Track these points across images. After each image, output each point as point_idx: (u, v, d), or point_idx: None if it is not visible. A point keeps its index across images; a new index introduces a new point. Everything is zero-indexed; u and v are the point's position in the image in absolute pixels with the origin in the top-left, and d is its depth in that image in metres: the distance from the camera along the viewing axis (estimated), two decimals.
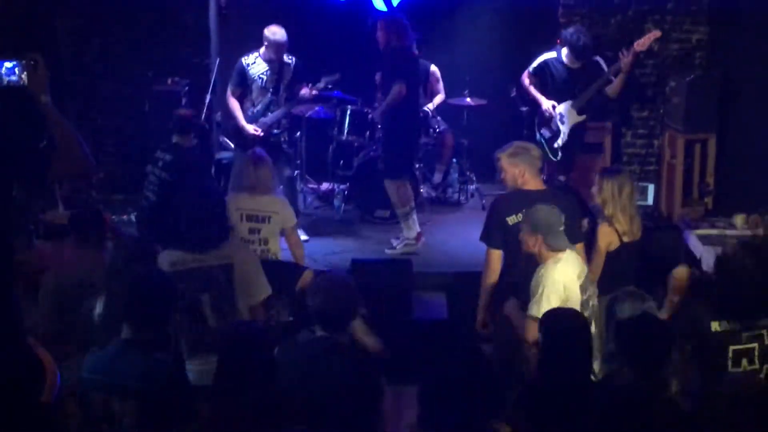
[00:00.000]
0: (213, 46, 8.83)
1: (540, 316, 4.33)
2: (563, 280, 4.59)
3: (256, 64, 7.45)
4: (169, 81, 8.26)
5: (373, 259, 7.26)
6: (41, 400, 3.46)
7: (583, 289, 4.65)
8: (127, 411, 3.40)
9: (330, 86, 8.02)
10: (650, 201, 8.36)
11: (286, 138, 7.87)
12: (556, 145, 7.36)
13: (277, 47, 7.34)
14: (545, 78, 7.34)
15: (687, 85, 8.07)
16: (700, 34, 8.67)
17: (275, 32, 7.33)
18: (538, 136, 7.42)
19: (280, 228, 6.11)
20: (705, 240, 6.74)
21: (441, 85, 8.87)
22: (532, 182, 5.25)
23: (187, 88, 8.20)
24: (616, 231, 5.33)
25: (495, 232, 5.18)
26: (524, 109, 8.19)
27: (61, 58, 8.41)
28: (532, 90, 7.42)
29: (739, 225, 7.03)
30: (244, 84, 7.48)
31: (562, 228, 4.68)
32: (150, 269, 4.10)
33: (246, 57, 7.47)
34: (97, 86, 8.55)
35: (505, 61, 9.15)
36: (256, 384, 3.41)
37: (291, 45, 7.52)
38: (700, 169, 8.24)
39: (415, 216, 7.57)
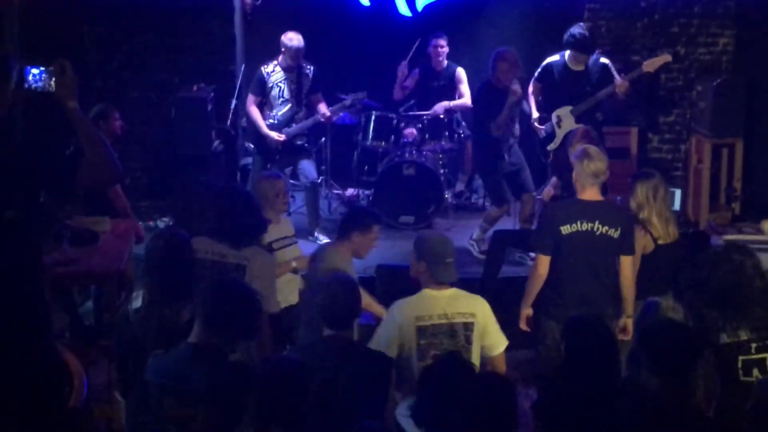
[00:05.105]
0: (238, 53, 8.87)
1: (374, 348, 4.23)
2: (399, 319, 4.35)
3: (274, 72, 7.70)
4: (195, 87, 8.29)
5: (399, 264, 7.23)
6: (69, 406, 3.49)
7: (423, 333, 4.30)
8: (195, 416, 3.37)
9: (358, 105, 8.15)
10: (677, 206, 8.30)
11: (309, 144, 8.02)
12: (549, 148, 7.32)
13: (294, 53, 7.57)
14: (548, 82, 7.28)
15: (714, 89, 8.01)
16: (727, 37, 8.61)
17: (292, 38, 7.56)
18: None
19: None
20: None
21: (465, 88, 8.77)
22: (589, 192, 5.18)
23: (212, 94, 8.23)
24: (651, 234, 5.29)
25: (547, 240, 5.14)
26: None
27: (88, 65, 8.47)
28: (531, 100, 7.45)
29: (767, 230, 6.96)
30: (263, 92, 7.74)
31: (450, 260, 4.38)
32: (235, 279, 4.12)
33: (265, 66, 7.73)
34: (124, 93, 8.59)
35: (530, 65, 9.07)
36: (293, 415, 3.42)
37: (315, 51, 7.61)
38: (727, 174, 8.18)
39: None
